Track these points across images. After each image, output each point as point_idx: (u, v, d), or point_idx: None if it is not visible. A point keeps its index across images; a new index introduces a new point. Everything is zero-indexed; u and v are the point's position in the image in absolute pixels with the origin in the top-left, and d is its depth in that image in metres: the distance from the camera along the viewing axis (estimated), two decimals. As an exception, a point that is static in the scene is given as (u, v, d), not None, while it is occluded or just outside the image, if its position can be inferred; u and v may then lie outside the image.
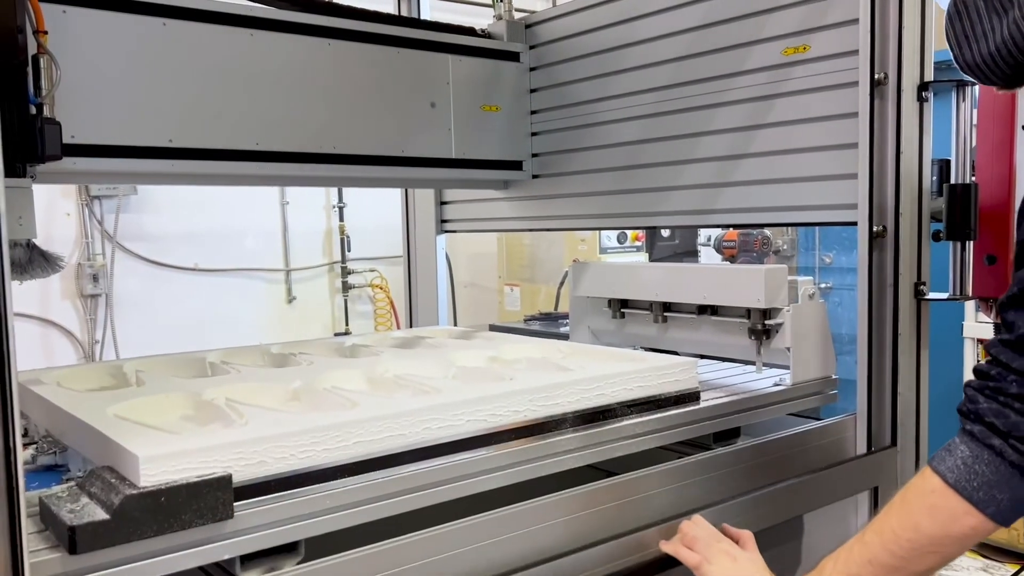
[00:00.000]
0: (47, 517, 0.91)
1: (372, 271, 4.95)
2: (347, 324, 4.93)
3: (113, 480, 0.92)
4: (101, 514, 0.87)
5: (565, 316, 2.90)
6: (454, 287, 3.31)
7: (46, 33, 1.48)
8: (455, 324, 2.80)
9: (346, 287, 4.89)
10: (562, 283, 4.03)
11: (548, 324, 2.67)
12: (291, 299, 4.77)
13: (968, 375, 1.05)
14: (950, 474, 0.95)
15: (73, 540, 0.84)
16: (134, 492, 0.88)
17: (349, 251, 4.85)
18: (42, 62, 1.46)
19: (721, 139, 1.91)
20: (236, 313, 4.48)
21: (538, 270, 4.50)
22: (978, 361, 1.01)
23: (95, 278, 4.07)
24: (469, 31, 2.33)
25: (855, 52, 1.60)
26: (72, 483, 0.98)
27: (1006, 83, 1.02)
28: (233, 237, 4.54)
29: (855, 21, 1.60)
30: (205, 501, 0.92)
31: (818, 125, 1.71)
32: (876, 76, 1.56)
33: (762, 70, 1.82)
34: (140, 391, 1.33)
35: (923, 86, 1.58)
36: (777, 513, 1.43)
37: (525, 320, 2.90)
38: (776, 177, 1.80)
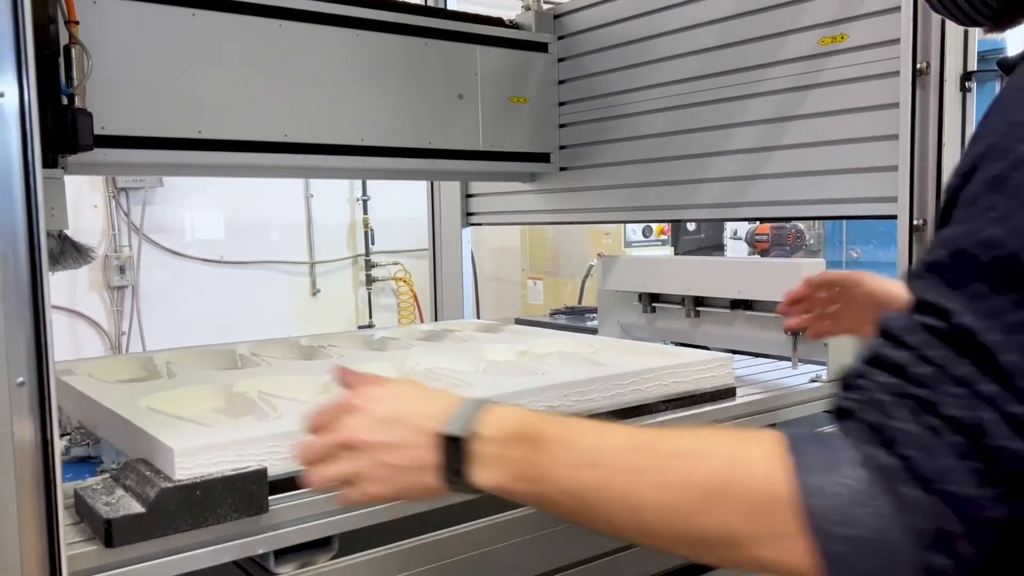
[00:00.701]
0: (82, 509, 0.90)
1: (396, 264, 4.95)
2: (371, 317, 4.93)
3: (148, 473, 0.92)
4: (137, 507, 0.86)
5: (591, 310, 2.88)
6: (477, 280, 3.30)
7: (77, 23, 1.47)
8: (478, 318, 2.78)
9: (370, 280, 4.89)
10: (586, 277, 4.01)
11: (574, 318, 2.65)
12: (315, 292, 4.78)
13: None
14: (815, 500, 0.60)
15: (110, 533, 0.83)
16: (170, 485, 0.87)
17: (373, 244, 4.85)
18: (73, 52, 1.46)
19: (753, 130, 1.88)
20: (261, 305, 4.50)
21: (561, 264, 4.48)
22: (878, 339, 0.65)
23: (122, 270, 4.09)
24: (497, 22, 2.31)
25: (895, 41, 1.56)
26: (106, 475, 0.97)
27: (993, 19, 0.84)
28: (258, 230, 4.55)
29: (895, 9, 1.56)
30: (240, 495, 0.91)
31: (856, 116, 1.68)
32: (918, 66, 1.52)
33: (797, 60, 1.78)
34: (172, 383, 1.33)
35: (966, 76, 1.54)
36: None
37: (551, 314, 2.88)
38: (811, 169, 1.77)
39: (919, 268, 0.62)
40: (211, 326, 4.14)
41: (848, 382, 0.64)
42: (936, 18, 1.53)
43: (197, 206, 4.37)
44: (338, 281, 4.87)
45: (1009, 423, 0.56)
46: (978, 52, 1.57)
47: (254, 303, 4.48)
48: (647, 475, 0.67)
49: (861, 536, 0.58)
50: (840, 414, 0.63)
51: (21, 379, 0.72)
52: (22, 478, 0.72)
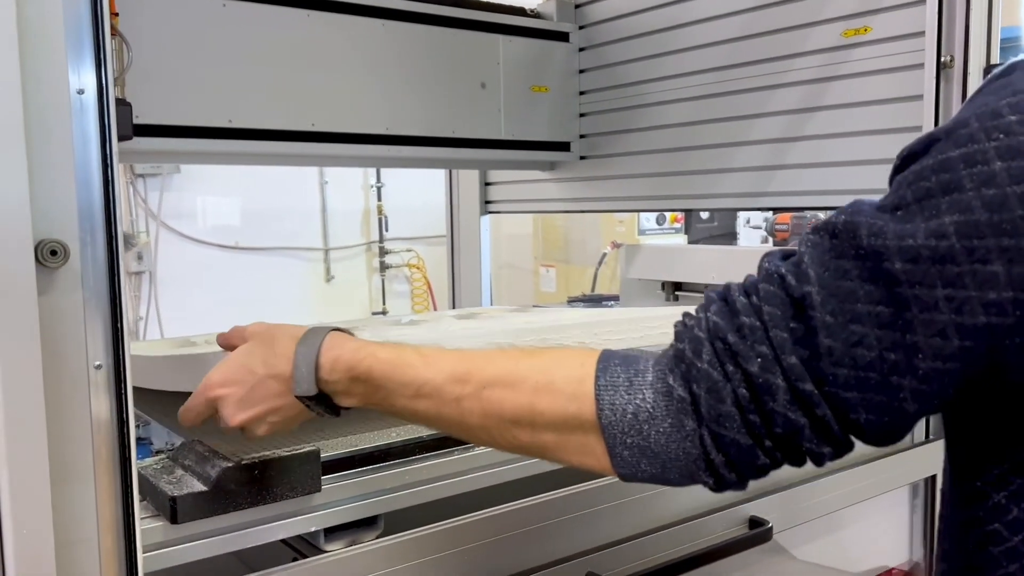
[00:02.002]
0: (145, 487, 0.94)
1: (409, 251, 4.98)
2: (384, 303, 4.97)
3: (206, 453, 0.95)
4: (199, 486, 0.90)
5: (608, 298, 2.91)
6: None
7: (117, 15, 1.50)
8: (492, 304, 2.82)
9: (384, 267, 4.92)
10: (600, 264, 4.04)
11: (591, 306, 2.68)
12: (330, 278, 4.82)
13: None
14: (609, 413, 0.68)
15: (175, 510, 0.87)
16: (230, 464, 0.91)
17: (387, 231, 4.88)
18: (113, 44, 1.49)
19: (775, 121, 1.90)
20: (275, 291, 4.54)
21: (574, 251, 4.50)
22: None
23: (139, 256, 4.13)
24: (519, 11, 2.33)
25: (919, 34, 1.58)
26: (164, 456, 1.01)
27: None
28: (273, 216, 4.59)
29: (920, 2, 1.58)
30: (296, 475, 0.95)
31: (878, 108, 1.70)
32: (943, 59, 1.54)
33: (820, 52, 1.80)
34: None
35: (989, 69, 1.56)
36: (830, 503, 1.44)
37: (568, 301, 2.91)
38: (832, 160, 1.79)
39: (821, 222, 0.64)
40: (227, 312, 4.18)
41: (700, 304, 0.70)
42: (960, 11, 1.54)
43: (213, 193, 4.40)
44: (352, 268, 4.91)
45: (795, 396, 0.61)
46: (1000, 43, 1.59)
47: (269, 289, 4.52)
48: (468, 403, 0.76)
49: (646, 446, 0.68)
50: (676, 333, 0.70)
51: (99, 362, 0.76)
52: (100, 455, 0.76)
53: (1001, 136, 0.56)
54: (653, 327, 1.32)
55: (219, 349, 1.01)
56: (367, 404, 0.84)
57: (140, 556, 0.79)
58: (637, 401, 0.68)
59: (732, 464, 0.65)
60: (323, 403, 0.85)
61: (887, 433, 0.62)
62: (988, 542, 0.65)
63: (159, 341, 1.61)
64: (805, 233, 0.65)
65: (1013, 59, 0.66)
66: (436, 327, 1.48)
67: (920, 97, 1.57)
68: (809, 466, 0.67)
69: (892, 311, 0.58)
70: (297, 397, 0.84)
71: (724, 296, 0.67)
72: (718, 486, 0.68)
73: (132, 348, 1.41)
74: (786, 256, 0.66)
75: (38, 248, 0.71)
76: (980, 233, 0.55)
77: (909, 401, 0.59)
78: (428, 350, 0.81)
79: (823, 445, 0.63)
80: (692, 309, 0.70)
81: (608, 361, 0.71)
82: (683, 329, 0.68)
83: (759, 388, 0.62)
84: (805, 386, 0.61)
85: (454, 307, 2.79)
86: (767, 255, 0.67)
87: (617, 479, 0.72)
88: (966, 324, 0.56)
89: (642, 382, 0.68)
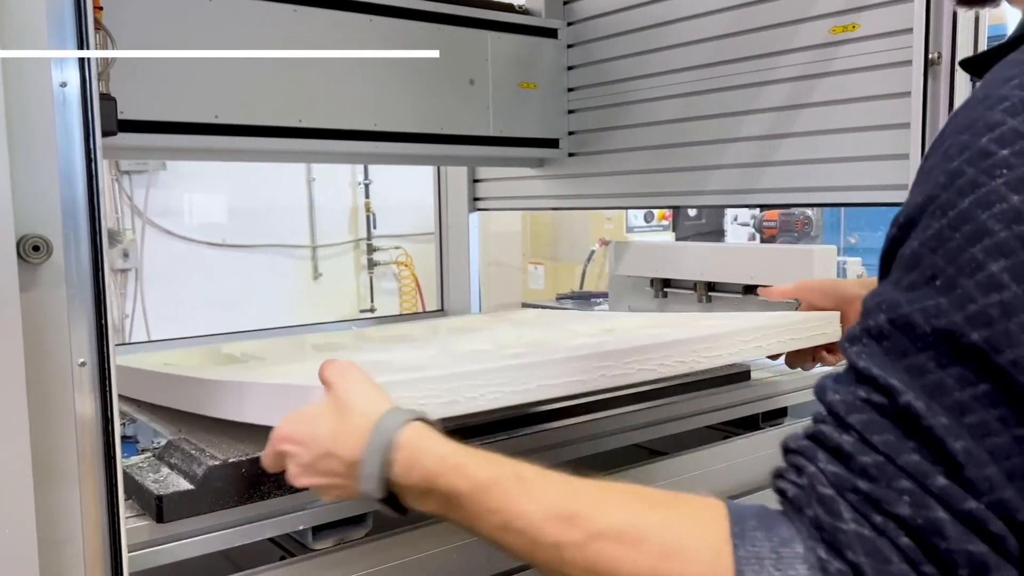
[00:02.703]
0: (131, 486, 0.93)
1: (397, 248, 4.97)
2: (372, 301, 4.96)
3: (193, 451, 0.94)
4: (185, 484, 0.89)
5: (597, 295, 2.91)
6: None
7: (101, 9, 1.48)
8: (480, 303, 2.81)
9: (371, 264, 4.91)
10: (588, 261, 4.04)
11: (581, 303, 2.68)
12: (317, 276, 4.80)
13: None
14: None
15: (160, 509, 0.86)
16: (217, 463, 0.90)
17: (375, 228, 4.87)
18: (97, 38, 1.47)
19: (763, 118, 1.90)
20: (263, 289, 4.52)
21: (562, 249, 4.50)
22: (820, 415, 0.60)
23: (125, 253, 4.10)
24: (508, 7, 2.32)
25: (907, 31, 1.59)
26: (149, 454, 1.00)
27: None
28: (260, 213, 4.57)
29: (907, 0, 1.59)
30: (283, 473, 0.93)
31: (866, 105, 1.70)
32: (930, 56, 1.55)
33: (808, 49, 1.81)
34: (262, 365, 1.30)
35: (976, 66, 1.57)
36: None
37: (557, 298, 2.90)
38: (821, 157, 1.79)
39: (856, 331, 0.58)
40: (214, 309, 4.16)
41: (789, 458, 0.60)
42: (947, 8, 1.55)
43: (200, 190, 4.38)
44: (340, 265, 4.89)
45: (964, 522, 0.52)
46: (987, 41, 1.60)
47: (256, 287, 4.50)
48: (571, 552, 0.63)
49: None
50: (781, 493, 0.60)
51: (83, 360, 0.75)
52: (84, 453, 0.75)
53: (1004, 171, 0.53)
54: (746, 340, 1.25)
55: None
56: (443, 517, 0.74)
57: (125, 556, 0.78)
58: None
59: None
60: (391, 503, 0.77)
61: None
62: None
63: (191, 351, 1.54)
64: (845, 348, 0.59)
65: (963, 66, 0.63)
66: (494, 337, 1.43)
67: (908, 94, 1.57)
68: None
69: (991, 387, 0.52)
70: (368, 499, 0.77)
71: (818, 437, 0.58)
72: None
73: (163, 358, 1.37)
74: (838, 380, 0.58)
75: (20, 244, 0.70)
76: None
77: None
78: (529, 471, 0.69)
79: (1006, 565, 0.52)
80: (781, 461, 0.61)
81: (744, 523, 0.58)
82: (797, 489, 0.58)
83: (922, 531, 0.52)
84: (969, 505, 0.52)
85: (442, 306, 2.78)
86: (819, 389, 0.59)
87: None
88: None
89: (791, 555, 0.55)
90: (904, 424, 0.54)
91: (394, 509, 0.77)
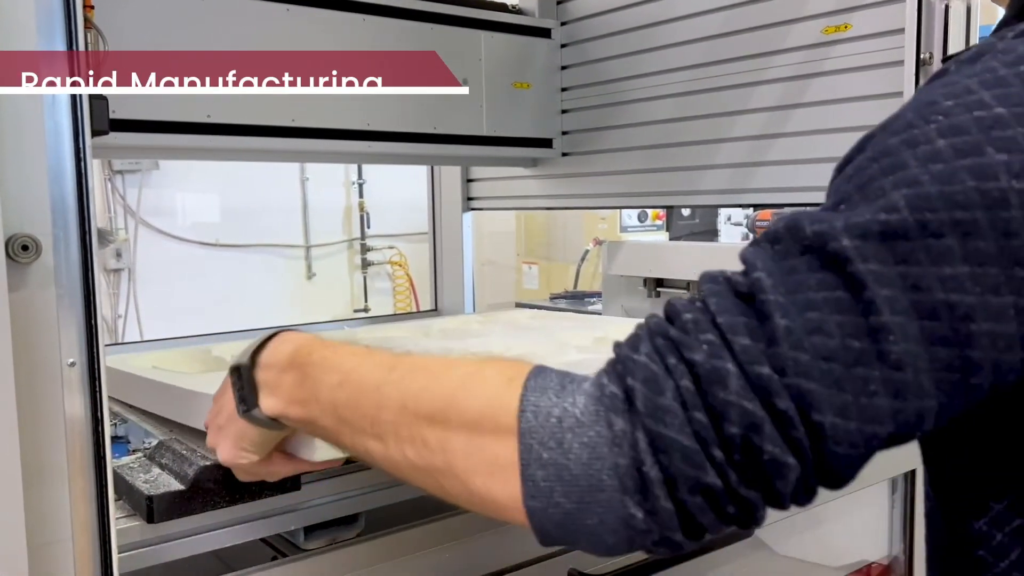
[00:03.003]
0: (121, 486, 0.93)
1: (391, 248, 4.96)
2: (366, 301, 4.95)
3: (183, 451, 0.94)
4: (176, 485, 0.89)
5: (591, 294, 2.91)
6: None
7: (92, 7, 1.48)
8: (475, 303, 2.81)
9: (365, 264, 4.90)
10: (582, 261, 4.04)
11: (575, 303, 2.68)
12: (311, 275, 4.79)
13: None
14: (531, 416, 0.55)
15: (151, 509, 0.85)
16: (208, 463, 0.90)
17: (369, 228, 4.86)
18: (89, 37, 1.47)
19: (757, 118, 1.90)
20: (256, 289, 4.51)
21: (556, 248, 4.51)
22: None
23: (118, 253, 4.09)
24: (501, 7, 2.32)
25: (899, 31, 1.59)
26: (139, 454, 1.00)
27: None
28: (253, 213, 4.56)
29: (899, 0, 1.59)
30: (274, 473, 0.93)
31: (858, 105, 1.71)
32: (921, 56, 1.55)
33: (801, 49, 1.81)
34: None
35: (967, 66, 1.57)
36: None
37: (551, 298, 2.91)
38: (813, 157, 1.80)
39: (758, 235, 0.58)
40: (207, 309, 4.15)
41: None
42: (939, 9, 1.55)
43: (193, 189, 4.37)
44: (334, 265, 4.88)
45: (751, 383, 0.50)
46: (979, 40, 1.60)
47: (249, 287, 4.49)
48: (388, 391, 0.64)
49: (566, 465, 0.53)
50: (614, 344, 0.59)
51: (72, 360, 0.74)
52: (73, 454, 0.75)
53: (940, 118, 0.53)
54: None
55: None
56: (287, 402, 0.74)
57: (116, 557, 0.78)
58: (565, 405, 0.54)
59: (671, 484, 0.51)
60: (247, 399, 0.77)
61: (852, 446, 0.51)
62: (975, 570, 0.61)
63: (180, 352, 1.54)
64: (744, 249, 0.58)
65: (945, 63, 0.64)
66: (483, 346, 1.41)
67: (900, 94, 1.58)
68: None
69: (850, 295, 0.51)
70: (231, 369, 0.78)
71: (668, 304, 0.58)
72: (652, 523, 0.52)
73: (152, 360, 1.34)
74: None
75: (9, 243, 0.70)
76: (932, 206, 0.50)
77: (881, 395, 0.50)
78: (380, 348, 0.72)
79: (787, 454, 0.50)
80: None
81: (547, 369, 0.59)
82: (621, 341, 0.58)
83: (706, 377, 0.51)
84: (761, 369, 0.50)
85: (436, 305, 2.78)
86: (704, 272, 0.59)
87: (526, 528, 0.56)
88: (923, 302, 0.50)
89: (575, 388, 0.56)
90: (745, 297, 0.53)
91: (243, 402, 0.77)
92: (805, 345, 0.50)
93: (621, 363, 0.55)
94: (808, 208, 0.58)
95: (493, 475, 0.56)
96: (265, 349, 0.77)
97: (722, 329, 0.52)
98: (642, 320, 0.59)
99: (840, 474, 0.53)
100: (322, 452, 0.81)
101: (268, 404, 0.76)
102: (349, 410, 0.67)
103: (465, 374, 0.61)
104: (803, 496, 0.54)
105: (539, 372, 0.58)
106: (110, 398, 1.23)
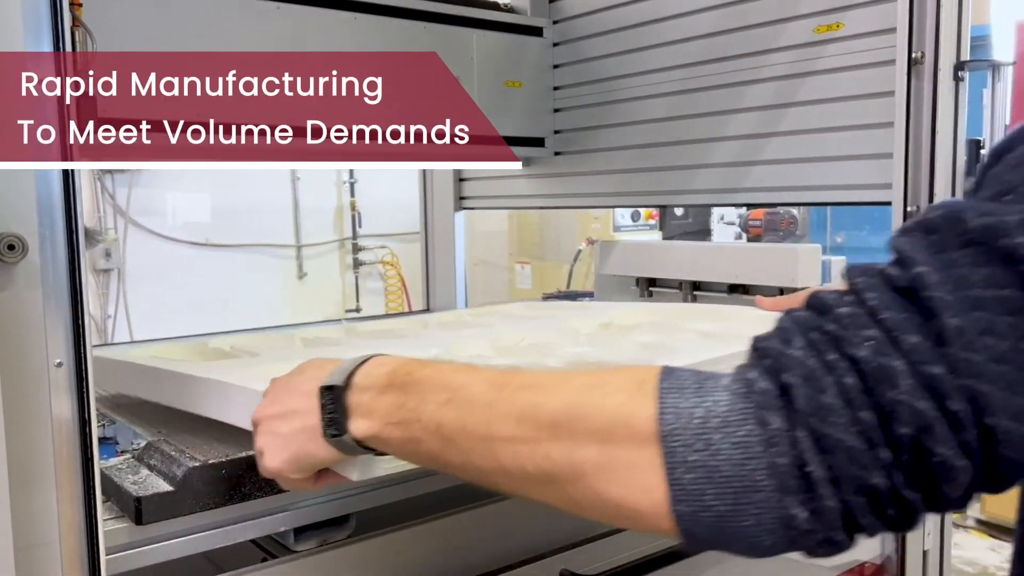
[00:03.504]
0: (109, 488, 0.92)
1: (383, 248, 4.95)
2: (358, 300, 4.94)
3: (172, 452, 0.93)
4: (165, 486, 0.88)
5: (584, 294, 2.91)
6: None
7: (80, 5, 1.46)
8: (467, 302, 2.80)
9: (357, 264, 4.89)
10: (575, 261, 4.04)
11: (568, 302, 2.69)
12: (302, 275, 4.78)
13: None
14: (671, 418, 0.52)
15: (139, 511, 0.85)
16: (197, 464, 0.89)
17: (360, 227, 4.85)
18: (77, 36, 1.46)
19: (749, 117, 1.90)
20: (247, 289, 4.49)
21: (549, 248, 4.50)
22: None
23: (107, 253, 4.07)
24: (493, 5, 2.32)
25: (891, 30, 1.59)
26: (128, 455, 0.99)
27: None
28: (244, 213, 4.54)
29: (891, -1, 1.59)
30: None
31: (851, 104, 1.71)
32: (913, 55, 1.55)
33: (793, 48, 1.81)
34: (256, 361, 1.23)
35: (959, 65, 1.57)
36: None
37: (543, 298, 2.91)
38: (806, 156, 1.80)
39: (910, 223, 0.55)
40: (197, 309, 4.14)
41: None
42: (931, 8, 1.56)
43: (183, 189, 4.35)
44: (325, 265, 4.87)
45: (921, 380, 0.48)
46: (971, 41, 1.60)
47: (240, 286, 4.48)
48: (502, 408, 0.62)
49: (716, 466, 0.50)
50: (753, 340, 0.55)
51: (59, 360, 0.73)
52: (60, 455, 0.74)
53: None
54: None
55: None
56: (383, 424, 0.70)
57: (104, 559, 0.77)
58: (708, 404, 0.51)
59: (836, 484, 0.49)
60: (337, 422, 0.72)
61: (1022, 451, 0.48)
62: None
63: (178, 345, 1.49)
64: (893, 238, 0.54)
65: None
66: (493, 336, 1.36)
67: (891, 93, 1.58)
68: None
69: (1022, 295, 0.48)
70: (321, 389, 0.73)
71: (812, 297, 0.54)
72: (817, 523, 0.50)
73: (152, 352, 1.29)
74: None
75: (-6, 242, 0.69)
76: None
77: None
78: (484, 366, 0.70)
79: (959, 456, 0.47)
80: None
81: (676, 369, 0.56)
82: (763, 335, 0.55)
83: (872, 375, 0.48)
84: (934, 369, 0.47)
85: (428, 305, 2.77)
86: (852, 264, 0.55)
87: (676, 538, 0.53)
88: None
89: (715, 385, 0.53)
90: (907, 293, 0.50)
91: (332, 426, 0.73)
92: (977, 346, 0.48)
93: (771, 358, 0.52)
94: (958, 199, 0.56)
95: (631, 482, 0.54)
96: (359, 371, 0.73)
97: (887, 325, 0.49)
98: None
99: (1005, 479, 0.50)
100: (363, 470, 0.78)
101: (360, 426, 0.72)
102: (458, 428, 0.65)
103: (586, 384, 0.59)
104: (964, 501, 0.51)
105: (670, 373, 0.56)
106: (99, 398, 1.22)
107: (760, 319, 1.24)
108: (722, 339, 1.24)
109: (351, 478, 0.79)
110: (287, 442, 0.76)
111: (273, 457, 0.77)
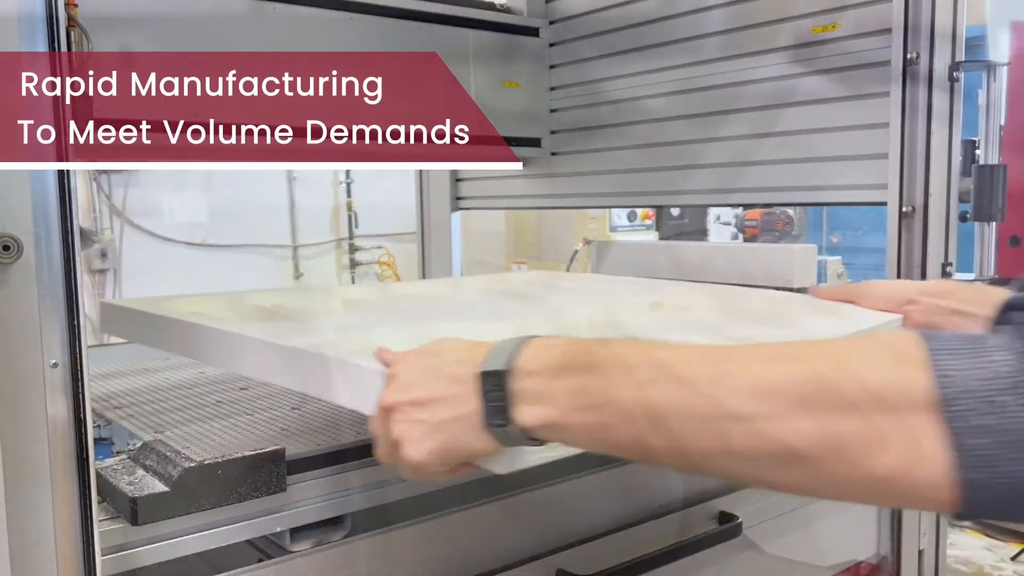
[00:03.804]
0: (105, 488, 0.91)
1: (379, 248, 4.95)
2: (354, 300, 4.94)
3: (168, 453, 0.93)
4: (160, 486, 0.88)
5: (580, 294, 2.91)
6: (463, 265, 3.32)
7: (76, 6, 1.46)
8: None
9: (353, 264, 4.89)
10: (572, 261, 4.04)
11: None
12: (298, 275, 4.78)
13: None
14: (949, 381, 0.50)
15: (135, 511, 0.84)
16: (193, 465, 0.89)
17: (357, 227, 4.85)
18: (72, 36, 1.45)
19: (746, 117, 1.91)
20: (244, 289, 4.48)
21: (546, 248, 4.51)
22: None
23: (103, 253, 4.07)
24: (489, 6, 2.32)
25: (886, 31, 1.60)
26: (124, 456, 0.99)
27: None
28: (241, 213, 4.54)
29: (886, 0, 1.59)
30: (260, 474, 0.93)
31: (847, 104, 1.71)
32: (908, 56, 1.56)
33: (789, 48, 1.81)
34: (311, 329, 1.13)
35: (954, 66, 1.58)
36: (799, 498, 1.44)
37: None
38: (802, 156, 1.80)
39: None
40: (194, 309, 4.12)
41: None
42: (926, 9, 1.56)
43: (179, 189, 4.35)
44: (321, 264, 4.87)
45: None
46: (966, 42, 1.61)
47: (237, 287, 4.44)
48: (731, 382, 0.57)
49: (1007, 428, 0.47)
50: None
51: (55, 361, 0.73)
52: (56, 456, 0.74)
53: None
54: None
55: None
56: (564, 411, 0.64)
57: (99, 559, 0.77)
58: (992, 364, 0.48)
59: None
60: (502, 411, 0.66)
61: None
62: None
63: (214, 298, 1.37)
64: None
65: None
66: (553, 312, 1.27)
67: (887, 93, 1.58)
68: None
69: None
70: (483, 375, 0.66)
71: None
72: None
73: (189, 306, 1.19)
74: None
75: (-10, 243, 0.69)
76: None
77: None
78: (685, 344, 0.65)
79: None
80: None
81: (936, 333, 0.53)
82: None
83: None
84: None
85: (425, 304, 2.76)
86: None
87: (948, 511, 0.51)
88: None
89: (992, 345, 0.49)
90: None
91: (497, 414, 0.66)
92: None
93: None
94: None
95: (905, 453, 0.50)
96: (522, 353, 0.66)
97: None
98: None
99: None
100: (512, 462, 0.71)
101: (530, 414, 0.65)
102: (671, 409, 0.59)
103: (833, 352, 0.56)
104: None
105: (932, 335, 0.52)
106: (95, 398, 1.20)
107: (811, 305, 1.19)
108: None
109: (495, 471, 0.71)
110: (434, 431, 0.69)
111: (416, 448, 0.69)
